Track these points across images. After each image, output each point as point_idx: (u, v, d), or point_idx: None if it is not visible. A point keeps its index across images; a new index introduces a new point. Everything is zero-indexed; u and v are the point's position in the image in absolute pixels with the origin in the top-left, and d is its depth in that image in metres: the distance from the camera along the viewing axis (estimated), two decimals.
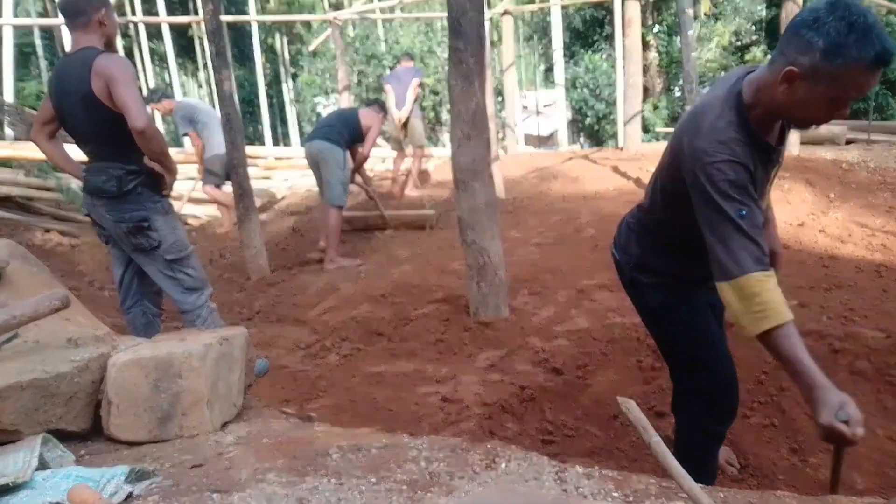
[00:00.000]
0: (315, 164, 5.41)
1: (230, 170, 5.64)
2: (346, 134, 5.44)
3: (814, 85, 1.44)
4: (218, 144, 5.86)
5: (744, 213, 1.51)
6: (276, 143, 19.31)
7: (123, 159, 2.77)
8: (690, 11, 5.64)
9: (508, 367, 3.25)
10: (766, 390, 2.93)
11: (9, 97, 9.53)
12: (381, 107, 5.99)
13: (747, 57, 14.58)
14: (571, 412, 2.92)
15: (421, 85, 7.57)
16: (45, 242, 6.30)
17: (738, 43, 15.05)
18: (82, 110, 2.69)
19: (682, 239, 1.83)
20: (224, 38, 4.76)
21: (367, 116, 5.64)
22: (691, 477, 1.91)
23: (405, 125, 7.61)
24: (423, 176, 8.47)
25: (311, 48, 12.67)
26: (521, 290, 4.27)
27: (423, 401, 2.95)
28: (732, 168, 1.52)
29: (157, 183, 2.89)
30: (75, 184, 6.45)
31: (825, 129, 8.78)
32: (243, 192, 5.01)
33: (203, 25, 4.90)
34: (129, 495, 1.42)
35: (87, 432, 1.85)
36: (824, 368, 2.98)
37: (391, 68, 15.58)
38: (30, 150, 7.65)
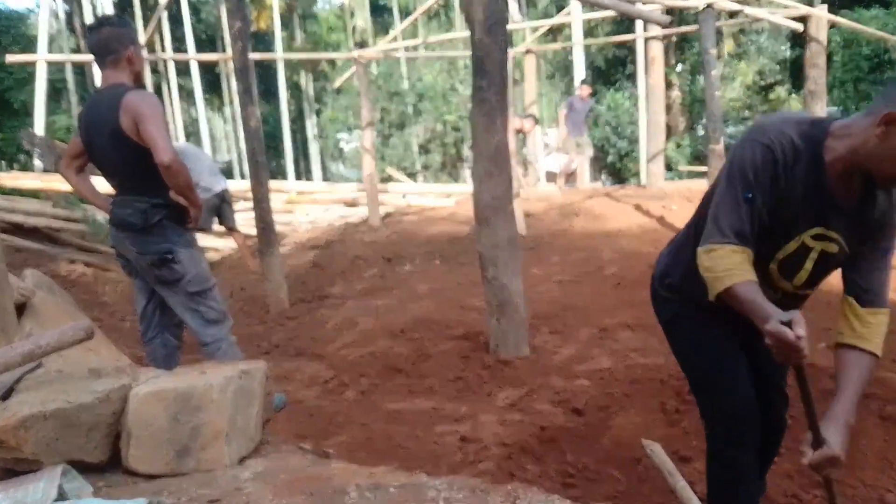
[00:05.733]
0: None
1: (225, 210, 6.17)
2: None
3: None
4: (202, 189, 5.94)
5: (749, 196, 1.56)
6: (298, 176, 19.62)
7: (149, 193, 2.81)
8: (714, 51, 5.67)
9: (528, 407, 3.20)
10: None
11: (39, 130, 9.83)
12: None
13: (771, 96, 14.65)
14: (593, 454, 2.86)
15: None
16: (70, 273, 6.41)
17: (762, 83, 15.14)
18: (111, 145, 2.74)
19: None
20: (251, 75, 4.87)
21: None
22: None
23: None
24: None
25: (335, 85, 13.00)
26: (541, 328, 4.24)
27: (441, 440, 2.91)
28: (765, 155, 1.54)
29: (182, 216, 2.92)
30: (101, 216, 6.58)
31: None
32: (265, 225, 5.07)
33: (231, 63, 5.04)
34: None
35: (105, 464, 1.83)
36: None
37: (414, 106, 15.93)
38: (58, 182, 7.85)
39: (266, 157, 5.23)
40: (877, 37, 9.55)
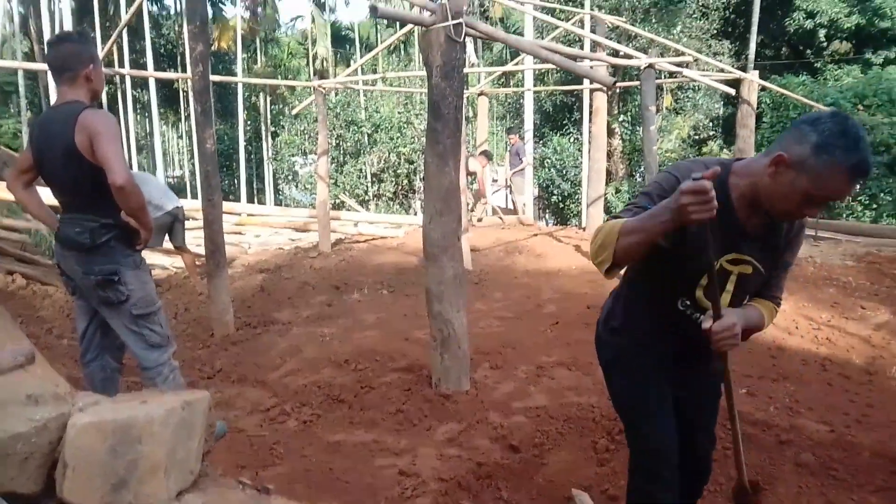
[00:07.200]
0: None
1: (176, 228, 6.31)
2: None
3: (798, 174, 1.59)
4: (154, 207, 5.94)
5: (647, 206, 1.70)
6: (251, 197, 19.39)
7: (99, 212, 2.78)
8: (653, 108, 5.99)
9: (467, 442, 3.27)
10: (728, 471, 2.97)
11: None
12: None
13: (704, 150, 15.47)
14: (527, 492, 2.94)
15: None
16: (7, 285, 6.17)
17: (696, 137, 15.99)
18: (63, 162, 2.71)
19: (646, 295, 1.96)
20: (210, 98, 4.88)
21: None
22: None
23: None
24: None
25: (294, 112, 13.04)
26: (482, 363, 4.32)
27: (379, 473, 2.94)
28: (668, 181, 1.72)
29: (131, 238, 2.88)
30: (44, 228, 6.40)
31: None
32: (215, 247, 5.03)
33: (189, 81, 5.04)
34: None
35: (37, 495, 1.74)
36: (770, 460, 3.10)
37: (369, 135, 16.10)
38: (0, 191, 7.59)
39: (220, 176, 5.23)
40: (802, 102, 10.25)
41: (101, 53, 6.26)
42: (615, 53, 8.00)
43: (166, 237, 6.42)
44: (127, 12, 16.25)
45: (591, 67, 7.54)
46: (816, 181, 1.58)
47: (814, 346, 5.01)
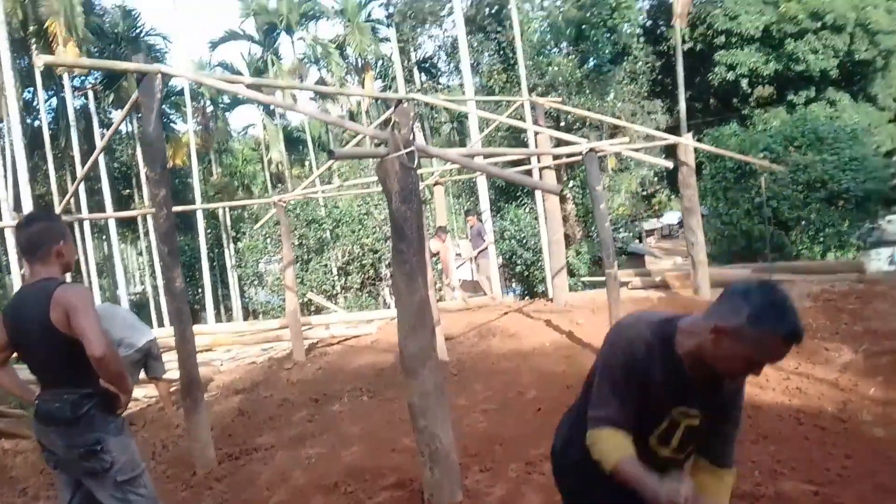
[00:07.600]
0: None
1: (151, 364, 6.43)
2: None
3: (735, 343, 1.72)
4: (125, 346, 6.01)
5: (616, 391, 1.89)
6: (216, 303, 19.24)
7: (78, 383, 2.80)
8: (600, 188, 6.32)
9: None
10: None
11: None
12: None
13: (654, 201, 16.19)
14: None
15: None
16: None
17: (644, 192, 16.79)
18: (40, 339, 2.75)
19: None
20: (176, 238, 4.98)
21: None
22: None
23: None
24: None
25: (257, 226, 13.24)
26: (472, 467, 4.33)
27: None
28: (626, 359, 1.89)
29: (112, 404, 2.91)
30: None
31: (731, 272, 9.68)
32: (191, 382, 5.01)
33: (151, 220, 5.14)
34: None
35: None
36: None
37: (331, 231, 16.34)
38: None
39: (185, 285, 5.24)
40: (734, 157, 10.97)
41: (58, 208, 6.36)
42: (557, 143, 8.45)
43: (142, 372, 6.36)
44: (76, 142, 16.50)
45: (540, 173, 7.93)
46: (754, 348, 1.72)
47: (786, 399, 5.17)
